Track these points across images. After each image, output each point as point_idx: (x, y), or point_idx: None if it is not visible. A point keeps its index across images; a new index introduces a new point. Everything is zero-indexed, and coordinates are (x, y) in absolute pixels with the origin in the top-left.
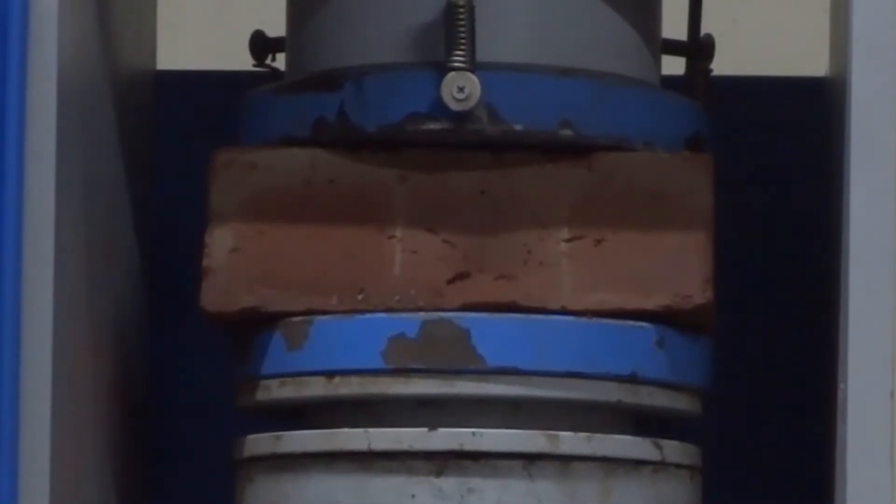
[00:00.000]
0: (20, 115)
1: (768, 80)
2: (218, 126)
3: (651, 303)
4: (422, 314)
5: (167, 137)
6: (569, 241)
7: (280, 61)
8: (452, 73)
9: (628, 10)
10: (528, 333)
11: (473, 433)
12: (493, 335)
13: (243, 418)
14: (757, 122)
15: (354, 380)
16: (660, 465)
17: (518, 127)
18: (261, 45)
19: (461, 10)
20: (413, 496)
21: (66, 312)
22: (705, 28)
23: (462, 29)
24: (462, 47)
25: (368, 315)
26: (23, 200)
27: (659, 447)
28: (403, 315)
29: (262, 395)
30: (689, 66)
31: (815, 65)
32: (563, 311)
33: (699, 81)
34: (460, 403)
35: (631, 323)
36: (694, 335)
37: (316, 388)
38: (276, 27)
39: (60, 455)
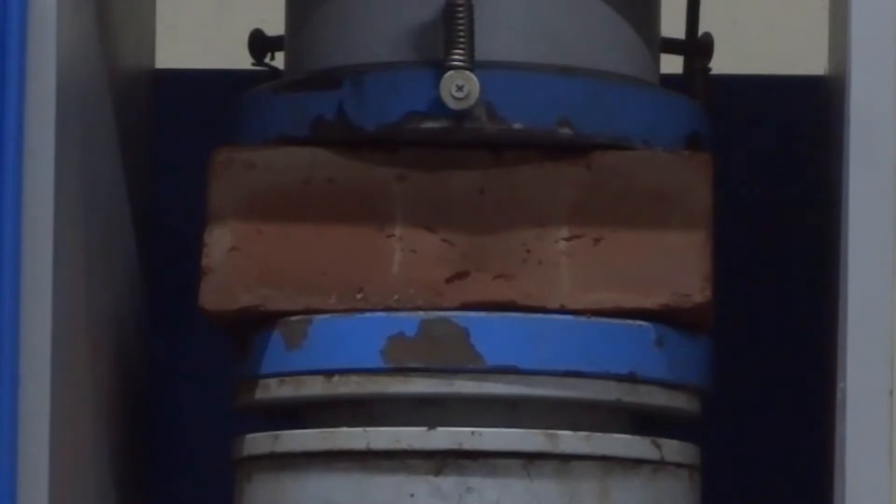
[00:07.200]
0: (19, 114)
1: (767, 79)
2: (217, 125)
3: (650, 302)
4: (421, 313)
5: (166, 137)
6: (568, 240)
7: (279, 60)
8: (451, 72)
9: (627, 8)
10: (527, 332)
11: (472, 432)
12: (491, 334)
13: (242, 418)
14: (756, 121)
15: (353, 379)
16: (659, 465)
17: (517, 126)
18: (260, 44)
19: (460, 8)
20: (412, 495)
21: (66, 312)
22: (705, 27)
23: (461, 27)
24: (461, 46)
25: (367, 314)
26: (22, 200)
27: (658, 446)
28: (402, 314)
29: (261, 394)
30: (687, 64)
31: (814, 63)
32: (562, 310)
33: (698, 80)
34: (459, 402)
35: (630, 322)
36: (693, 334)
37: (315, 388)
38: (276, 26)
39: (59, 455)
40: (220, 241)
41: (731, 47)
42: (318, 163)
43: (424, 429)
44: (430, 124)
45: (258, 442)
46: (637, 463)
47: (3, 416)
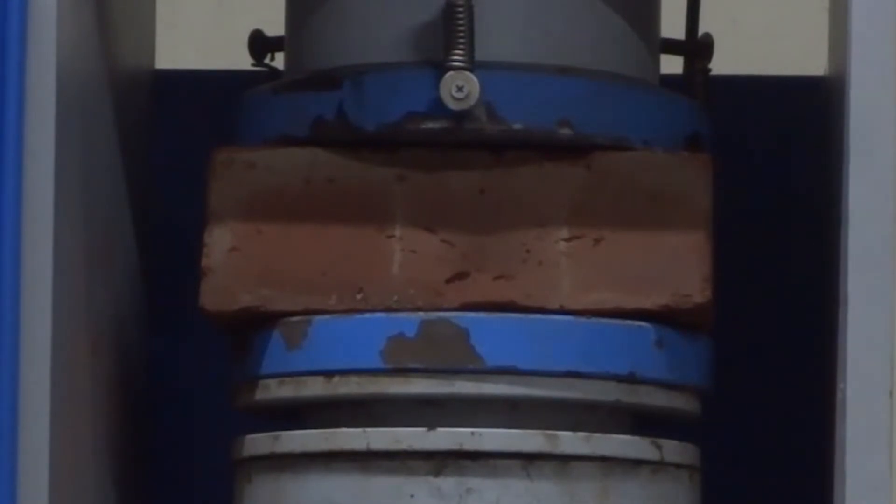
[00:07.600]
0: (19, 114)
1: (767, 79)
2: (217, 126)
3: (650, 302)
4: (421, 314)
5: (166, 137)
6: (568, 240)
7: (279, 61)
8: (451, 73)
9: (627, 9)
10: (527, 333)
11: (472, 433)
12: (491, 335)
13: (242, 418)
14: (756, 121)
15: (353, 379)
16: (659, 465)
17: (517, 126)
18: (260, 44)
19: (460, 9)
20: (412, 496)
21: (65, 312)
22: (705, 27)
23: (461, 28)
24: (461, 46)
25: (367, 315)
26: (21, 200)
27: (658, 447)
28: (402, 315)
29: (260, 394)
30: (687, 65)
31: (814, 63)
32: (562, 311)
33: (698, 80)
34: (459, 403)
35: (630, 322)
36: (693, 335)
37: (315, 388)
38: (276, 27)
39: (59, 455)
40: (220, 241)
41: (731, 47)
42: (318, 163)
43: (424, 429)
44: (430, 124)
45: (258, 442)
46: (637, 463)
47: (3, 416)
